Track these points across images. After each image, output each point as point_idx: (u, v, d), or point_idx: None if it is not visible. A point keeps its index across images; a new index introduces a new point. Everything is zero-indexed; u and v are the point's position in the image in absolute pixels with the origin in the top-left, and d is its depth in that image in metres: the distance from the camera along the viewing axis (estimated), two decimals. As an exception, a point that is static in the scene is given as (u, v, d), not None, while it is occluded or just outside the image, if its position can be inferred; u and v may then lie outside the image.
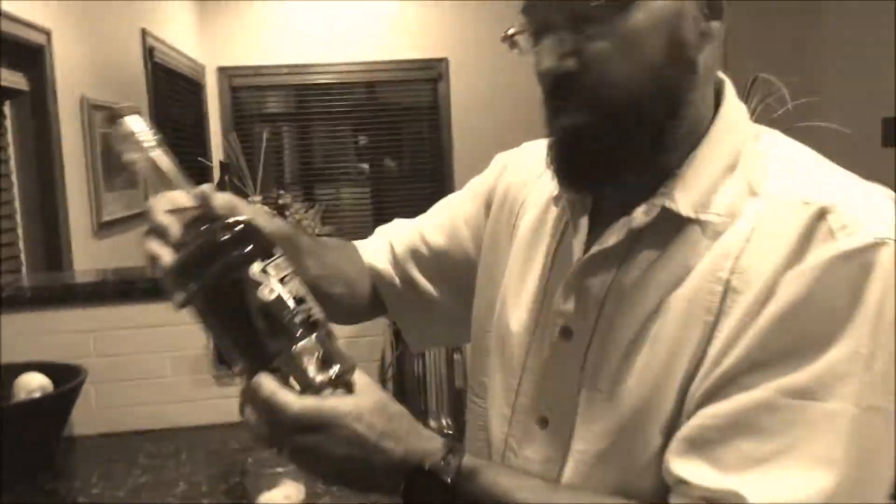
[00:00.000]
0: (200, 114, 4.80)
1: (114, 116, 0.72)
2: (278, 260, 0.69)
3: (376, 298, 0.95)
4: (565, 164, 0.70)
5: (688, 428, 0.62)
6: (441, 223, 0.92)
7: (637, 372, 0.66)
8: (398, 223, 0.98)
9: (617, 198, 0.71)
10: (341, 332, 1.84)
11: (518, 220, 0.83)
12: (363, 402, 0.66)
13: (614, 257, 0.69)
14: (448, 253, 0.91)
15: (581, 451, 0.69)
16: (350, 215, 5.21)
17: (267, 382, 0.64)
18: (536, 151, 0.80)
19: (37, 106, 2.59)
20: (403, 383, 1.64)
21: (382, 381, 1.72)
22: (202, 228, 0.70)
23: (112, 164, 3.31)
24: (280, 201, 2.81)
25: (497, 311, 0.82)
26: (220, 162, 1.77)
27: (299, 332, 0.66)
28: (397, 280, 0.93)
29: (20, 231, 2.62)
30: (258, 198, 2.01)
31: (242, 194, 1.99)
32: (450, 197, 0.95)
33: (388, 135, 5.40)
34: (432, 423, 1.61)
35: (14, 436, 1.41)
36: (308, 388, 0.65)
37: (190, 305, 0.68)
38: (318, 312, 0.68)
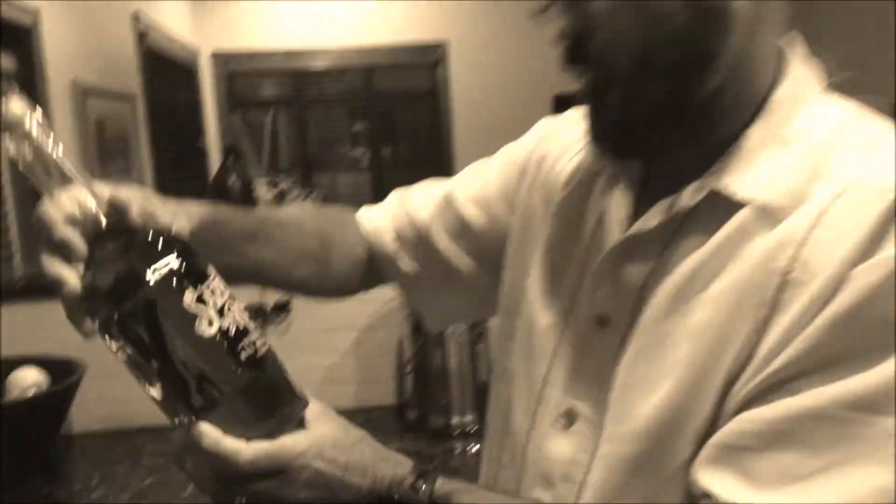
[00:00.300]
0: (194, 99, 4.70)
1: None
2: (214, 283, 0.58)
3: (371, 271, 0.87)
4: (592, 130, 0.63)
5: (723, 433, 0.55)
6: (473, 192, 0.84)
7: (675, 368, 0.58)
8: (421, 188, 0.89)
9: (666, 174, 0.63)
10: (353, 323, 1.76)
11: (556, 192, 0.75)
12: (320, 435, 0.60)
13: (656, 240, 0.62)
14: (480, 225, 0.83)
15: (608, 455, 0.62)
16: (349, 202, 5.12)
17: (208, 431, 0.57)
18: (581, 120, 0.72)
19: (26, 89, 2.48)
20: (424, 377, 1.55)
21: (400, 376, 1.63)
22: (115, 244, 0.59)
23: (106, 149, 3.20)
24: (280, 187, 2.72)
25: (527, 292, 0.74)
26: (228, 146, 1.68)
27: (243, 371, 0.58)
28: (416, 253, 0.85)
29: (13, 218, 2.52)
30: (265, 180, 1.92)
31: (248, 178, 1.90)
32: (482, 163, 0.87)
33: (385, 121, 5.31)
34: (455, 419, 1.52)
35: (7, 437, 1.31)
36: (256, 431, 0.58)
37: (104, 339, 0.58)
38: (263, 345, 0.60)
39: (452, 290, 0.86)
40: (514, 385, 0.74)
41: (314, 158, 5.33)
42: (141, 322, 0.56)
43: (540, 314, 0.72)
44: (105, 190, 0.62)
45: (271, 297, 1.59)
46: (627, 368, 0.62)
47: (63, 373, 1.41)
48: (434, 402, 1.54)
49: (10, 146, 0.59)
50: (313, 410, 0.62)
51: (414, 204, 0.87)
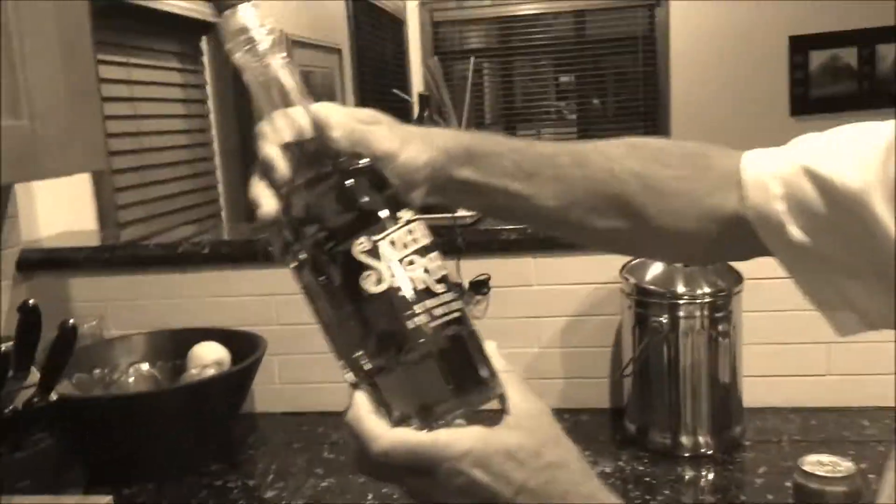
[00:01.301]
0: (401, 49, 4.64)
1: (224, 5, 0.56)
2: (402, 230, 0.51)
3: (741, 236, 0.66)
4: None
5: None
6: None
7: None
8: (841, 135, 0.63)
9: None
10: (563, 308, 1.48)
11: None
12: (495, 439, 0.51)
13: None
14: None
15: None
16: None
17: (357, 403, 0.51)
18: None
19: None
20: (649, 380, 1.27)
21: (618, 376, 1.36)
22: (313, 172, 0.54)
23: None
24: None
25: None
26: (420, 94, 1.47)
27: (409, 341, 0.50)
28: (828, 223, 0.61)
29: (220, 176, 2.52)
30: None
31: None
32: None
33: (596, 70, 5.00)
34: (685, 438, 1.23)
35: (184, 419, 1.22)
36: (421, 417, 0.50)
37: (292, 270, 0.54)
38: (449, 312, 0.51)
39: (887, 281, 0.59)
40: None
41: (518, 111, 5.15)
42: (317, 267, 0.52)
43: None
44: (316, 109, 0.57)
45: (468, 274, 1.38)
46: None
47: (244, 348, 1.30)
48: (659, 413, 1.26)
49: (237, 56, 0.55)
50: (517, 407, 0.52)
51: (831, 159, 0.62)
